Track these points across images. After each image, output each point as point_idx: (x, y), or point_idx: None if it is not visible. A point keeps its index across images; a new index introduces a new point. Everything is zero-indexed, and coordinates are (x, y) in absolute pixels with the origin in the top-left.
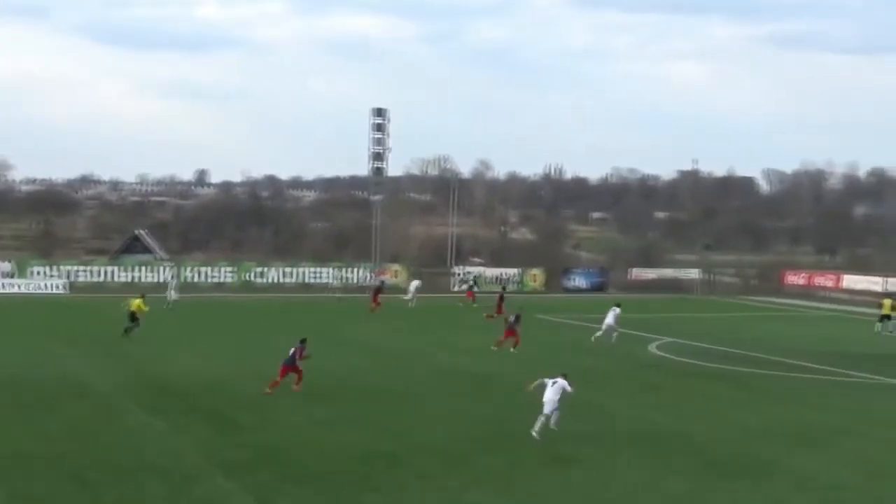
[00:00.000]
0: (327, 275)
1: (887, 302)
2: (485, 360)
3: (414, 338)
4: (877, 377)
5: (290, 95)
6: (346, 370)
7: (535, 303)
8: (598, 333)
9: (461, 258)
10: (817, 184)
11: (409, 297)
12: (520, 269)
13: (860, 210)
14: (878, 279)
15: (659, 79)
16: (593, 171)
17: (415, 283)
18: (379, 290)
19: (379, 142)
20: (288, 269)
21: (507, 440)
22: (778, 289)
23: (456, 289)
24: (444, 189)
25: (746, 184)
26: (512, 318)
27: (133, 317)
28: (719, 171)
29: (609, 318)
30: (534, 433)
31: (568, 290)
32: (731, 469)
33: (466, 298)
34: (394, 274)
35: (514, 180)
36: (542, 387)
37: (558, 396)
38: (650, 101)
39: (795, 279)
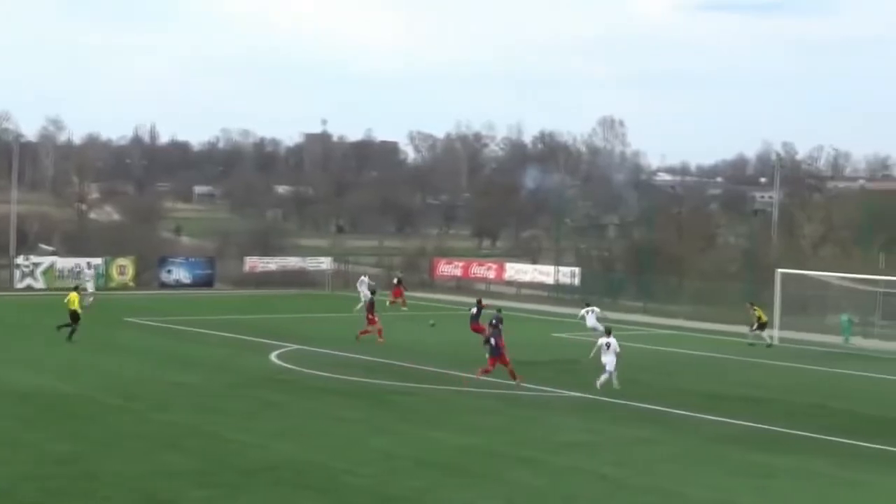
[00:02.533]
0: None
1: (758, 308)
2: (69, 380)
3: None
4: (548, 389)
5: None
6: None
7: (122, 301)
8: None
9: (27, 245)
10: (475, 151)
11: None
12: (104, 259)
13: (526, 184)
14: (549, 268)
15: (277, 16)
16: (196, 134)
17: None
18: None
19: None
20: None
21: (87, 480)
22: (428, 281)
23: (20, 285)
24: (1, 155)
25: (389, 150)
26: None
27: (75, 315)
28: (355, 134)
29: (590, 321)
30: (597, 384)
31: (166, 286)
32: None
33: (395, 298)
34: None
35: (94, 145)
36: (599, 349)
37: (615, 356)
38: (266, 44)
39: (449, 269)
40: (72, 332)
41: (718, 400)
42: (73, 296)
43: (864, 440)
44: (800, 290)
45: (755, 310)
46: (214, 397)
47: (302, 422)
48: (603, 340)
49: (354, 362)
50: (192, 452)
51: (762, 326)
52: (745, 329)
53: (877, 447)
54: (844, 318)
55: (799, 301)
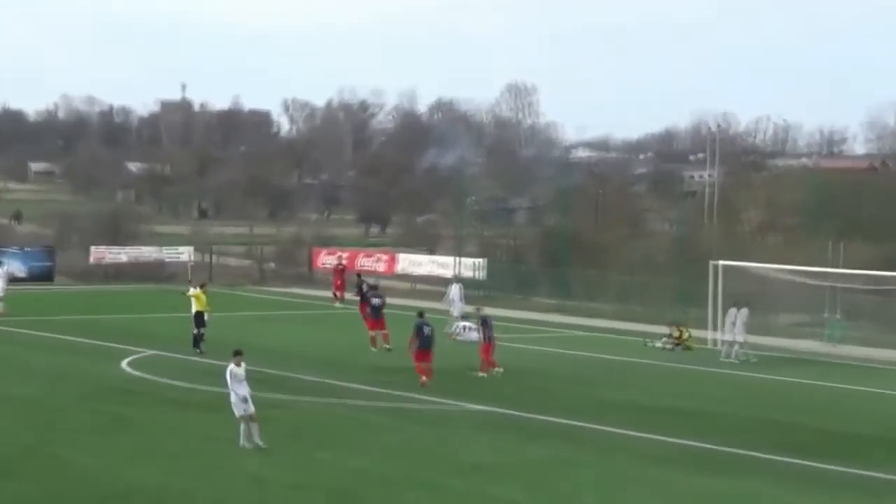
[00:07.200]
0: None
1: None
2: None
3: None
4: (449, 401)
5: None
6: None
7: None
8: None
9: None
10: (360, 122)
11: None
12: None
13: (422, 161)
14: (449, 259)
15: None
16: (32, 102)
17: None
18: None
19: None
20: None
21: None
22: (307, 275)
23: None
24: None
25: (260, 121)
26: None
27: (200, 318)
28: (220, 102)
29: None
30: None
31: None
32: None
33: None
34: None
35: None
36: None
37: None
38: None
39: (332, 261)
40: (199, 340)
41: (647, 413)
42: (198, 293)
43: (817, 459)
44: (739, 285)
45: (680, 330)
46: (56, 412)
47: (159, 441)
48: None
49: (221, 370)
50: (28, 478)
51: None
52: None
53: (831, 468)
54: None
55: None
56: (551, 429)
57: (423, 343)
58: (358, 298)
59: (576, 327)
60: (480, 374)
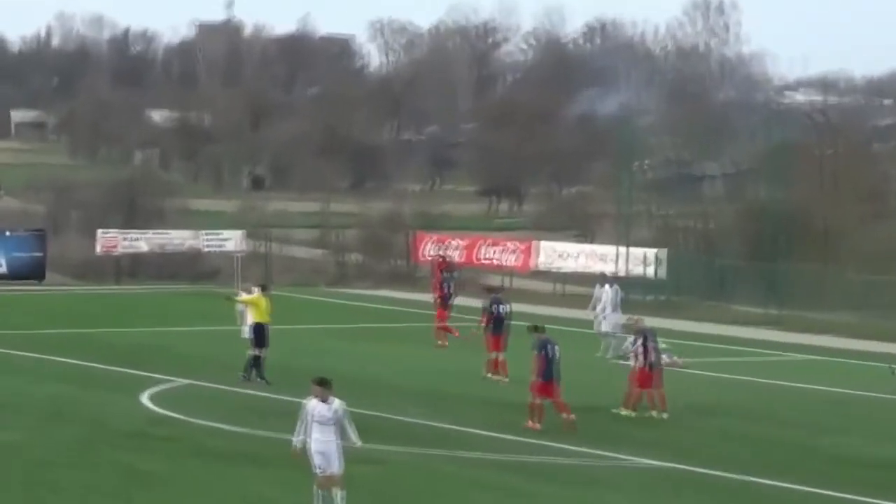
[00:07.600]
0: None
1: None
2: None
3: None
4: (598, 451)
5: None
6: None
7: None
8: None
9: None
10: (482, 54)
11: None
12: None
13: (573, 106)
14: (610, 249)
15: None
16: (15, 24)
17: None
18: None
19: None
20: None
21: None
22: (406, 271)
23: None
24: None
25: (338, 52)
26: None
27: (260, 334)
28: (283, 24)
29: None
30: None
31: None
32: None
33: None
34: None
35: None
36: None
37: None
38: None
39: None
40: (256, 365)
41: None
42: (255, 298)
43: None
44: None
45: None
46: (49, 465)
47: None
48: None
49: (278, 407)
50: None
51: None
52: None
53: None
54: None
55: None
56: (759, 493)
57: (549, 371)
58: (438, 295)
59: (794, 347)
60: (662, 415)
